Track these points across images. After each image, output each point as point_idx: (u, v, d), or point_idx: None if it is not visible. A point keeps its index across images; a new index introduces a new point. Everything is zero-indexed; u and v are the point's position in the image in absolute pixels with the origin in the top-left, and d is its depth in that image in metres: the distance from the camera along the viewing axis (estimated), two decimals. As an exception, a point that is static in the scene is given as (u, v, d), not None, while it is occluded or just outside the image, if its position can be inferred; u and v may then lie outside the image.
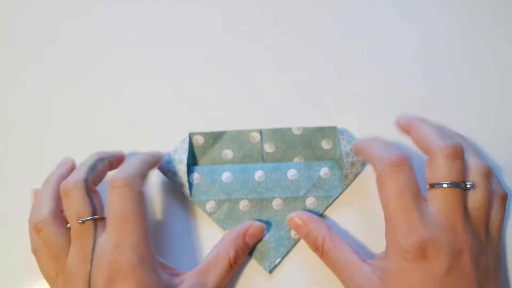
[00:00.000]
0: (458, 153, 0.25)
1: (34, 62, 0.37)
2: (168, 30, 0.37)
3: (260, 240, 0.31)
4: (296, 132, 0.33)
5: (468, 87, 0.35)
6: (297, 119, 0.34)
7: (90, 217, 0.25)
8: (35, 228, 0.26)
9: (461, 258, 0.24)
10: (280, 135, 0.33)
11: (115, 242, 0.24)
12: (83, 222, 0.25)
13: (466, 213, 0.25)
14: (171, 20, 0.38)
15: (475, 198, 0.25)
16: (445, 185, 0.25)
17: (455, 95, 0.35)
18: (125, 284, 0.24)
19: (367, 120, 0.34)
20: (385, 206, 0.25)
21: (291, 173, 0.32)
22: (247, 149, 0.33)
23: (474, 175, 0.26)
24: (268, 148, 0.33)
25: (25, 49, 0.37)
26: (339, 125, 0.33)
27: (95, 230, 0.25)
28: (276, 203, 0.31)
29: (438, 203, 0.25)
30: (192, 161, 0.33)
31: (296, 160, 0.33)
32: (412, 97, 0.35)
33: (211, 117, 0.34)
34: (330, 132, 0.33)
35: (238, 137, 0.33)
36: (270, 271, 0.30)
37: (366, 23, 0.37)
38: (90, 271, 0.24)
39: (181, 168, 0.31)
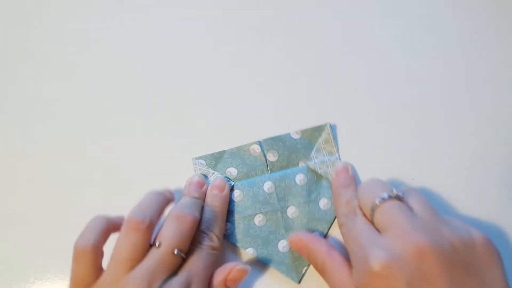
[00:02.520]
0: (371, 178, 0.28)
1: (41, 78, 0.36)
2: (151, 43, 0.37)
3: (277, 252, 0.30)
4: (295, 136, 0.32)
5: (460, 85, 0.35)
6: (291, 125, 0.33)
7: (184, 254, 0.26)
8: (131, 222, 0.26)
9: (425, 261, 0.22)
10: (280, 142, 0.32)
11: (186, 287, 0.25)
12: (177, 254, 0.26)
13: (412, 216, 0.25)
14: (155, 38, 0.37)
15: (414, 204, 0.26)
16: (377, 203, 0.26)
17: (448, 94, 0.35)
18: None
19: (357, 120, 0.34)
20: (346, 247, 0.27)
21: (299, 178, 0.31)
22: (250, 163, 0.32)
23: (402, 191, 0.27)
24: (272, 157, 0.32)
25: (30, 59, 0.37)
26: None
27: (177, 267, 0.26)
28: (291, 211, 0.31)
29: (381, 220, 0.25)
30: None
31: (301, 164, 0.32)
32: (403, 98, 0.35)
33: (208, 138, 0.34)
34: (325, 128, 0.33)
35: (239, 153, 0.32)
36: (299, 281, 0.30)
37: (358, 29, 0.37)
38: None
39: None
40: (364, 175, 0.32)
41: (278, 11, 0.38)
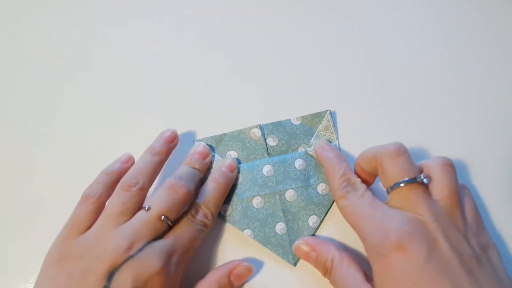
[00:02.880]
0: (401, 149, 0.26)
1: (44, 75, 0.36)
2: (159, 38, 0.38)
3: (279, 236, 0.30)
4: (295, 122, 0.33)
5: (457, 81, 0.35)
6: (293, 111, 0.34)
7: (171, 222, 0.27)
8: (128, 182, 0.27)
9: (436, 246, 0.23)
10: (281, 127, 0.33)
11: (170, 252, 0.25)
12: (164, 220, 0.26)
13: (432, 205, 0.25)
14: (161, 29, 0.38)
15: (437, 190, 0.26)
16: (402, 184, 0.25)
17: (448, 84, 0.35)
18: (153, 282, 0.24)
19: (358, 107, 0.34)
20: (350, 223, 0.27)
21: (299, 163, 0.31)
22: (250, 146, 0.32)
23: (433, 168, 0.26)
24: (272, 141, 0.32)
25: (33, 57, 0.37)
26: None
27: (163, 233, 0.26)
28: (289, 194, 0.31)
29: (399, 200, 0.25)
30: None
31: (300, 149, 0.32)
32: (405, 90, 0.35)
33: (210, 121, 0.34)
34: (325, 115, 0.33)
35: (239, 136, 0.33)
36: (295, 264, 0.30)
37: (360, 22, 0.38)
38: (131, 257, 0.24)
39: None
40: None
41: (279, 1, 0.38)
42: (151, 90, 0.36)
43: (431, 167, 0.26)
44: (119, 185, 0.27)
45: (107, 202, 0.27)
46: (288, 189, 0.31)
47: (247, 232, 0.30)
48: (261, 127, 0.33)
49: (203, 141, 0.32)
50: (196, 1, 0.39)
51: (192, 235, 0.27)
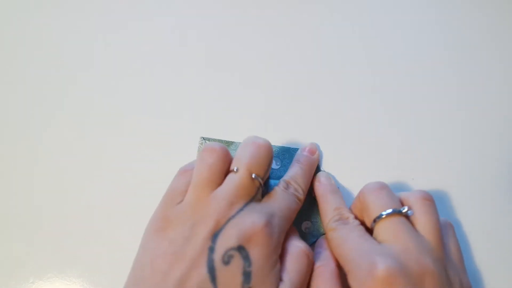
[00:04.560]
0: (382, 185, 0.27)
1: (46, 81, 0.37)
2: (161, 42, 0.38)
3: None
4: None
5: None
6: (293, 110, 0.34)
7: (261, 180, 0.26)
8: (208, 148, 0.26)
9: (424, 284, 0.23)
10: (288, 154, 0.32)
11: (269, 214, 0.25)
12: (255, 178, 0.25)
13: (418, 238, 0.24)
14: (161, 29, 0.38)
15: (420, 224, 0.25)
16: (383, 215, 0.25)
17: (446, 93, 0.35)
18: (255, 249, 0.23)
19: (359, 106, 0.34)
20: (337, 255, 0.26)
21: None
22: None
23: (413, 201, 0.26)
24: (274, 164, 0.32)
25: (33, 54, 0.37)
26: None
27: (256, 193, 0.26)
28: None
29: (384, 233, 0.25)
30: None
31: None
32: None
33: (210, 121, 0.34)
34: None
35: None
36: None
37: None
38: (233, 216, 0.24)
39: None
40: (364, 177, 0.31)
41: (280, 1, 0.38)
42: (151, 90, 0.35)
43: (410, 201, 0.26)
44: (201, 152, 0.26)
45: (194, 171, 0.26)
46: None
47: None
48: None
49: (210, 141, 0.32)
50: (196, 1, 0.38)
51: (288, 203, 0.27)
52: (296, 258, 0.25)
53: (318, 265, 0.26)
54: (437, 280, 0.23)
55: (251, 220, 0.24)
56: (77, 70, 0.37)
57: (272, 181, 0.29)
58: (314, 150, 0.31)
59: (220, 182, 0.25)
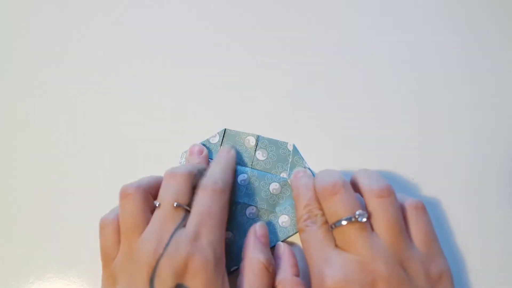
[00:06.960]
0: (336, 187, 0.25)
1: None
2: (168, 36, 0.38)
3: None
4: (290, 148, 0.32)
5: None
6: (293, 111, 0.34)
7: (185, 206, 0.26)
8: (123, 193, 0.26)
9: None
10: (275, 146, 0.32)
11: (195, 235, 0.24)
12: (177, 206, 0.25)
13: (373, 243, 0.24)
14: (161, 29, 0.38)
15: (377, 225, 0.24)
16: (337, 224, 0.25)
17: (447, 91, 0.35)
18: (193, 280, 0.23)
19: (359, 106, 0.34)
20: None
21: (274, 187, 0.31)
22: (239, 151, 0.32)
23: (371, 203, 0.25)
24: (260, 155, 0.32)
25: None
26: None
27: (182, 219, 0.25)
28: (250, 211, 0.30)
29: (340, 240, 0.25)
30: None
31: (282, 175, 0.32)
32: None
33: (210, 121, 0.34)
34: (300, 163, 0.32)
35: (235, 137, 0.33)
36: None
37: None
38: (162, 255, 0.23)
39: None
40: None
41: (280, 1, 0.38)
42: (151, 90, 0.36)
43: (369, 202, 0.25)
44: (119, 197, 0.26)
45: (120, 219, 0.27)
46: (252, 205, 0.30)
47: None
48: (257, 138, 0.33)
49: (210, 141, 0.33)
50: (197, 1, 0.38)
51: (211, 201, 0.26)
52: (257, 274, 0.25)
53: (277, 281, 0.26)
54: (390, 284, 0.22)
55: (178, 251, 0.23)
56: (77, 70, 0.37)
57: (239, 168, 0.31)
58: (229, 150, 0.31)
59: (147, 221, 0.25)
